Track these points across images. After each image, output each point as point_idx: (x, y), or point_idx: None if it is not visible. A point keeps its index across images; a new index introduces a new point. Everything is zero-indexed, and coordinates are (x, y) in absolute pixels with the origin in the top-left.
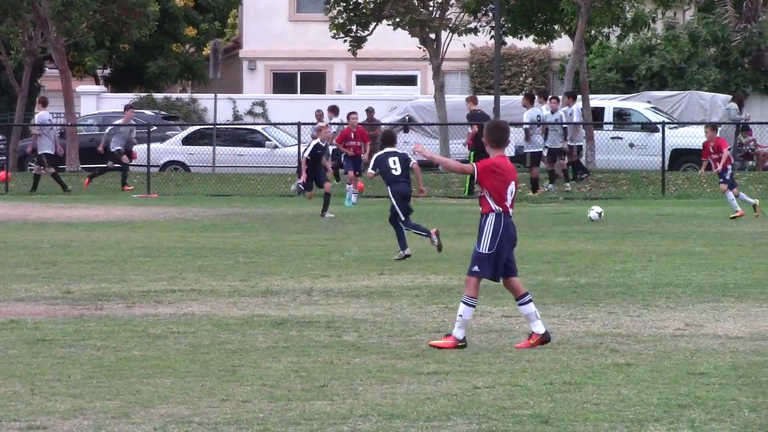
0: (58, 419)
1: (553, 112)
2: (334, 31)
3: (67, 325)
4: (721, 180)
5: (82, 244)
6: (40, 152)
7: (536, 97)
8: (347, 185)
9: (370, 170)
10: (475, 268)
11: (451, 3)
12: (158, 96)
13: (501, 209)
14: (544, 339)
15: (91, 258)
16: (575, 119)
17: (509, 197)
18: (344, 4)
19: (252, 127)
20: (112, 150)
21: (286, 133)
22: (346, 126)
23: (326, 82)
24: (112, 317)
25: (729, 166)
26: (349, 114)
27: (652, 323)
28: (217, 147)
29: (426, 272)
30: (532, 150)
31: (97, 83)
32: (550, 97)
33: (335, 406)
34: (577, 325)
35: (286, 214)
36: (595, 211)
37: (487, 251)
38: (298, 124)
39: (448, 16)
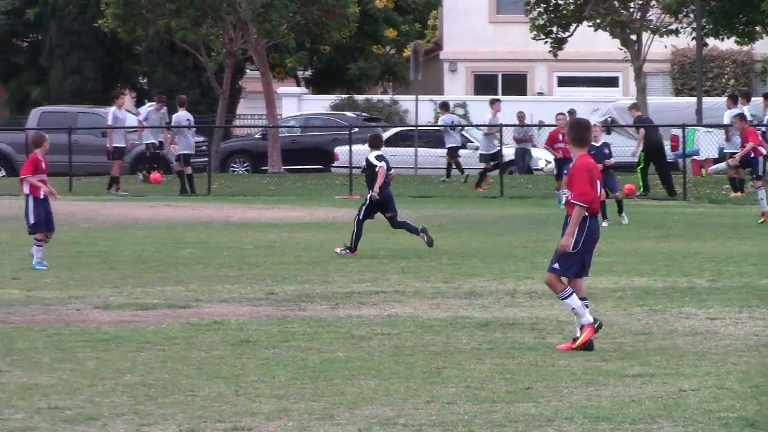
0: (263, 420)
1: None
2: (535, 33)
3: (271, 326)
4: (753, 176)
5: (284, 245)
6: (178, 152)
7: (739, 98)
8: (557, 190)
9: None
10: (556, 265)
11: (651, 4)
12: (359, 98)
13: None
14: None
15: (294, 259)
16: None
17: (597, 198)
18: (544, 5)
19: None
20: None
21: None
22: (555, 128)
23: (527, 83)
24: (315, 318)
25: (759, 158)
26: (557, 115)
27: None
28: (418, 148)
29: (630, 274)
30: (733, 150)
31: (298, 85)
32: None
33: (540, 408)
34: None
35: (489, 216)
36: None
37: (570, 249)
38: (500, 126)
39: (649, 18)
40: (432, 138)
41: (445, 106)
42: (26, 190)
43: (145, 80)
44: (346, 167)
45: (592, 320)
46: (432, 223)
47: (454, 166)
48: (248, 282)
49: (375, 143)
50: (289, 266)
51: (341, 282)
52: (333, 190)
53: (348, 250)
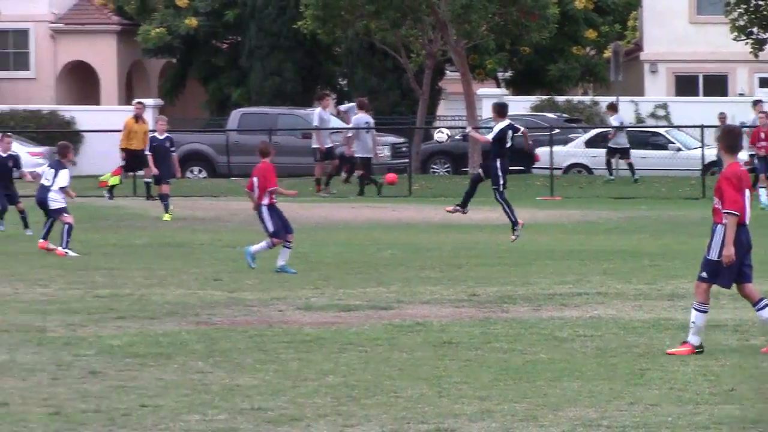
0: (466, 421)
1: None
2: (735, 34)
3: (473, 328)
4: None
5: (486, 246)
6: (356, 155)
7: None
8: (760, 187)
9: (488, 137)
10: (704, 274)
11: None
12: (560, 99)
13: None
14: None
15: (496, 261)
16: None
17: (746, 206)
18: (744, 6)
19: (655, 129)
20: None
21: (689, 135)
22: (756, 126)
23: (728, 84)
24: (518, 320)
25: None
26: (759, 111)
27: None
28: None
29: None
30: None
31: (498, 86)
32: None
33: (744, 411)
34: None
35: (691, 218)
36: (443, 134)
37: (716, 258)
38: (701, 127)
39: None
40: (633, 139)
41: (612, 107)
42: (266, 200)
43: (345, 82)
44: (547, 168)
45: (697, 344)
46: (633, 224)
47: (616, 167)
48: (450, 283)
49: (501, 112)
50: (490, 268)
51: (543, 284)
52: (534, 191)
53: (514, 228)
